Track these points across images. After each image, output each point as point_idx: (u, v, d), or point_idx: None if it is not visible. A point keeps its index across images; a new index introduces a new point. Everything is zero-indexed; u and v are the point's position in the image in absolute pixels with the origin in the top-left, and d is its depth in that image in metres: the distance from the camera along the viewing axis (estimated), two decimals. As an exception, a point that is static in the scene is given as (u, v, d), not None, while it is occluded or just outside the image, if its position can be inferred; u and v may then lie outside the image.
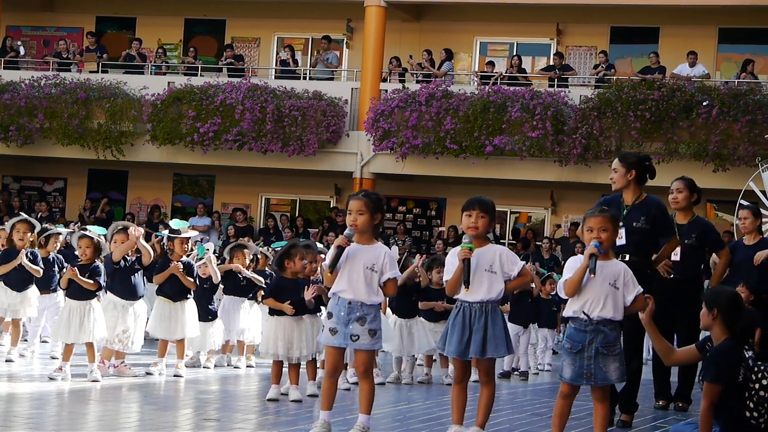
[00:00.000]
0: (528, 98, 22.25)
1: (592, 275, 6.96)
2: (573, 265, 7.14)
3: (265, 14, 26.97)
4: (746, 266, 10.54)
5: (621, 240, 8.71)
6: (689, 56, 23.42)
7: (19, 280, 11.88)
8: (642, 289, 7.17)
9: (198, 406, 9.45)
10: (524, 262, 7.53)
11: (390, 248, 7.74)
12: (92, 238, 10.50)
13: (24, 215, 12.52)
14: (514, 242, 23.97)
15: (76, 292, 10.31)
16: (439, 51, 25.19)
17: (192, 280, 11.24)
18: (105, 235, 10.91)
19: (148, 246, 10.96)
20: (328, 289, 7.68)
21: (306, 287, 9.64)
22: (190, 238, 11.49)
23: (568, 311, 7.17)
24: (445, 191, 25.67)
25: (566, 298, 7.18)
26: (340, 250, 7.33)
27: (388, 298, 11.38)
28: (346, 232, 7.38)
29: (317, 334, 9.79)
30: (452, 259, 7.36)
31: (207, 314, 11.73)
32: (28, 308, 12.03)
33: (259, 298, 12.22)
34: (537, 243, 23.65)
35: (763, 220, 19.50)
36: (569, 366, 7.08)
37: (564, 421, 7.17)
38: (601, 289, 7.04)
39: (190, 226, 11.99)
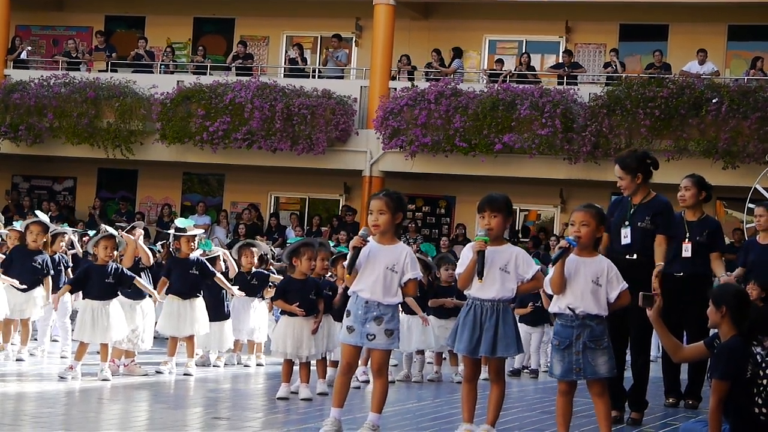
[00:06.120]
0: (537, 96, 22.20)
1: (552, 265, 7.08)
2: None
3: (274, 13, 26.95)
4: (762, 266, 10.47)
5: (626, 239, 8.73)
6: (698, 54, 23.36)
7: (27, 281, 11.82)
8: (627, 285, 7.19)
9: (208, 404, 9.47)
10: (539, 267, 7.54)
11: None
12: (115, 237, 10.51)
13: (41, 215, 12.44)
14: (525, 240, 23.94)
15: (98, 293, 10.31)
16: (448, 49, 25.17)
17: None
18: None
19: (146, 248, 11.01)
20: (346, 289, 7.64)
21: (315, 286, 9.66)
22: (196, 235, 11.49)
23: (553, 308, 7.23)
24: (454, 189, 25.64)
25: (552, 294, 7.25)
26: (357, 251, 7.29)
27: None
28: (361, 231, 7.36)
29: (327, 334, 9.83)
30: (467, 252, 7.34)
31: (218, 313, 11.74)
32: (34, 308, 11.92)
33: (266, 296, 12.22)
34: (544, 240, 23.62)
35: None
36: (558, 362, 7.14)
37: (567, 419, 7.19)
38: (584, 286, 7.10)
39: (194, 224, 11.98)
